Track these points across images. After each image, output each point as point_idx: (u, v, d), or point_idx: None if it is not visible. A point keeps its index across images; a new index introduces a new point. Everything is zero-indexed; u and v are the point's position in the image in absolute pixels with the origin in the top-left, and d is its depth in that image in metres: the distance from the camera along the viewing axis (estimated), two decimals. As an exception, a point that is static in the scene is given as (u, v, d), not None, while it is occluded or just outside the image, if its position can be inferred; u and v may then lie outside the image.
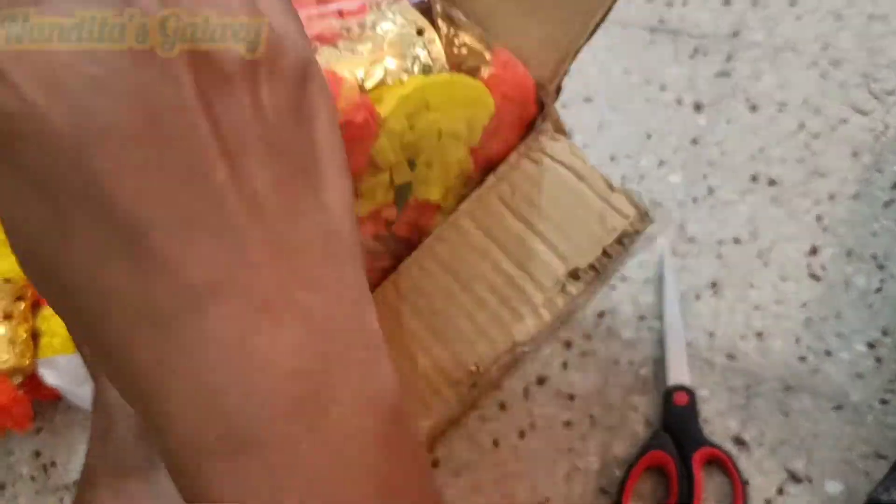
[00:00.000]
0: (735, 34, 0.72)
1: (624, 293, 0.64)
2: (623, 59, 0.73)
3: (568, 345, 0.63)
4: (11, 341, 0.64)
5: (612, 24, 0.72)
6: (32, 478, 0.69)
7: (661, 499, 0.57)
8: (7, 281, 0.67)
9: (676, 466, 0.56)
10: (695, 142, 0.68)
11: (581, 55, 0.71)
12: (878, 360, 0.57)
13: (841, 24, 0.70)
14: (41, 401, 0.67)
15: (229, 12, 0.25)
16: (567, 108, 0.72)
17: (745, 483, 0.55)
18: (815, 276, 0.61)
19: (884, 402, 0.56)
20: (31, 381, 0.65)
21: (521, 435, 0.61)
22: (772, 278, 0.62)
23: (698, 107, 0.69)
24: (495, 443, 0.61)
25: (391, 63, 0.46)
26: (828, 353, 0.58)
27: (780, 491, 0.55)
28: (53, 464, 0.69)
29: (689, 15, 0.74)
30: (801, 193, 0.64)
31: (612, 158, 0.69)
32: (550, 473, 0.59)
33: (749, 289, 0.62)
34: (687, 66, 0.71)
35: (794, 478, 0.55)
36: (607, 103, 0.72)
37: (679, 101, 0.70)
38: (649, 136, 0.69)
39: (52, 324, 0.65)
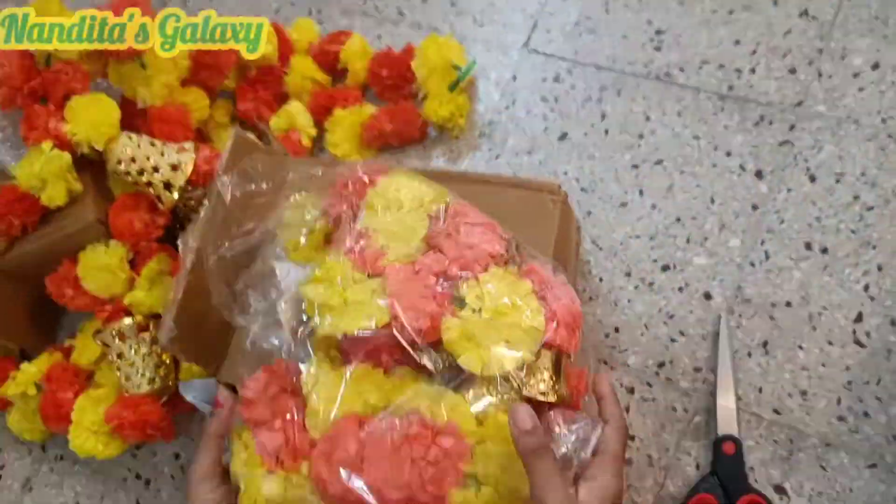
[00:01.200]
0: (799, 104, 0.77)
1: (683, 346, 0.72)
2: (693, 124, 0.79)
3: (631, 391, 0.72)
4: (157, 366, 0.77)
5: (686, 88, 0.80)
6: (172, 476, 0.82)
7: (707, 536, 0.65)
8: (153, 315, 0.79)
9: (722, 508, 0.64)
10: (755, 207, 0.75)
11: (654, 118, 0.79)
12: (913, 424, 0.64)
13: (902, 98, 0.74)
14: (181, 413, 0.80)
15: None
16: (639, 168, 0.79)
17: (782, 527, 0.63)
18: (859, 343, 0.67)
19: (915, 463, 0.63)
20: (173, 400, 0.78)
21: (586, 469, 0.70)
22: (819, 342, 0.68)
23: (760, 174, 0.76)
24: (563, 474, 0.71)
25: None
26: (866, 415, 0.65)
27: (814, 537, 0.63)
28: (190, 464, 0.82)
29: (756, 83, 0.79)
30: (852, 263, 0.70)
31: (679, 220, 0.76)
32: (611, 505, 0.68)
33: (797, 350, 0.69)
34: (753, 134, 0.77)
35: (828, 526, 0.63)
36: (676, 167, 0.78)
37: (743, 168, 0.76)
38: (713, 201, 0.76)
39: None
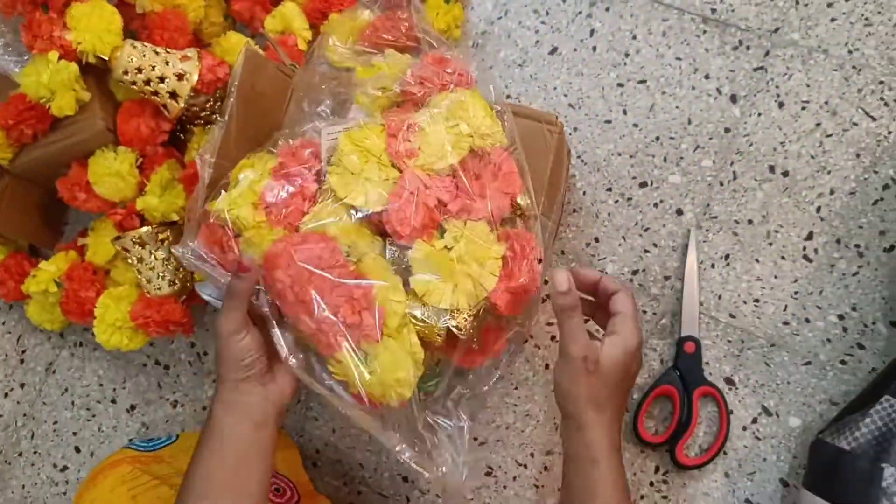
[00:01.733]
0: (776, 30, 0.82)
1: (655, 257, 0.81)
2: (676, 46, 0.84)
3: (607, 295, 0.81)
4: (176, 269, 0.83)
5: (671, 9, 0.84)
6: (189, 362, 0.90)
7: (666, 419, 0.77)
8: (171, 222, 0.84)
9: (680, 397, 0.76)
10: (727, 130, 0.82)
11: (640, 36, 0.84)
12: (845, 329, 0.75)
13: (869, 30, 0.80)
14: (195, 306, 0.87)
15: None
16: (624, 87, 0.85)
17: (730, 413, 0.76)
18: (807, 258, 0.77)
19: (843, 362, 0.75)
20: (189, 296, 0.85)
21: (566, 362, 0.81)
22: (773, 256, 0.78)
23: (734, 98, 0.82)
24: (546, 366, 0.81)
25: None
26: (807, 321, 0.76)
27: (755, 420, 0.75)
28: (206, 353, 0.90)
29: (738, 7, 0.84)
30: (809, 186, 0.78)
31: (658, 139, 0.83)
32: (586, 392, 0.80)
33: (754, 263, 0.78)
34: (731, 58, 0.83)
35: (767, 412, 0.75)
36: (658, 87, 0.84)
37: (719, 91, 0.83)
38: (690, 122, 0.83)
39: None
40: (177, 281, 0.82)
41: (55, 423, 0.94)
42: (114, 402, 0.92)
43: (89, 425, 0.92)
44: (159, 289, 0.81)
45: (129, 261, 0.82)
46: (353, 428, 0.85)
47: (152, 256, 0.81)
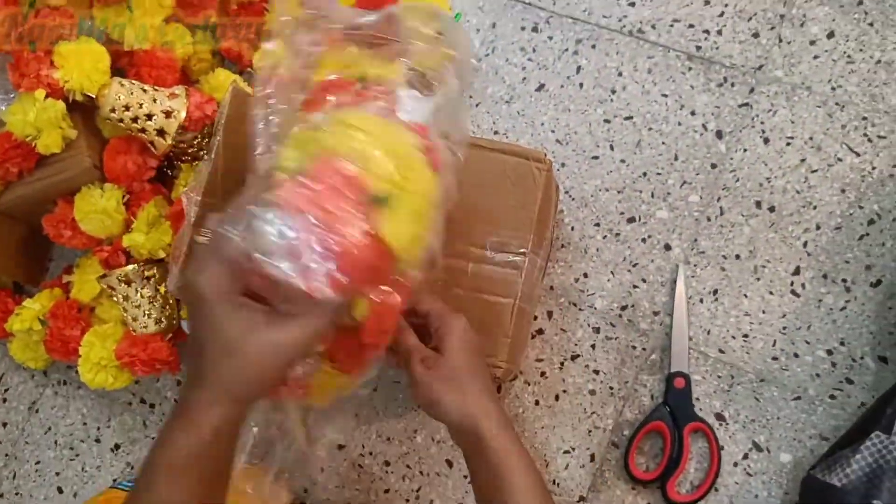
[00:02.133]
0: (760, 68, 0.83)
1: (644, 292, 0.81)
2: (662, 82, 0.85)
3: (597, 330, 0.81)
4: (162, 307, 0.82)
5: (657, 46, 0.85)
6: (175, 401, 0.89)
7: (657, 456, 0.77)
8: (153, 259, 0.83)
9: (671, 433, 0.76)
10: (713, 166, 0.82)
11: (626, 73, 0.85)
12: (833, 364, 0.75)
13: (851, 67, 0.81)
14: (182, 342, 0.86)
15: None
16: (610, 123, 0.86)
17: (720, 448, 0.75)
18: (795, 293, 0.78)
19: (832, 397, 0.75)
20: (175, 335, 0.84)
21: (556, 398, 0.80)
22: (761, 291, 0.78)
23: (720, 134, 0.83)
24: (536, 402, 0.81)
25: None
26: (795, 356, 0.76)
27: (745, 456, 0.75)
28: (191, 392, 0.89)
29: (722, 45, 0.85)
30: (795, 221, 0.79)
31: (645, 174, 0.84)
32: (576, 428, 0.79)
33: (742, 298, 0.79)
34: (716, 95, 0.84)
35: (757, 448, 0.75)
36: (645, 124, 0.85)
37: (705, 127, 0.83)
38: (677, 158, 0.83)
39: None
40: (163, 319, 0.81)
41: (38, 462, 0.93)
42: (98, 441, 0.91)
43: (73, 465, 0.91)
44: (145, 327, 0.81)
45: (115, 299, 0.81)
46: (342, 467, 0.84)
47: (138, 294, 0.80)
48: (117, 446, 0.90)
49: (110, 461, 0.90)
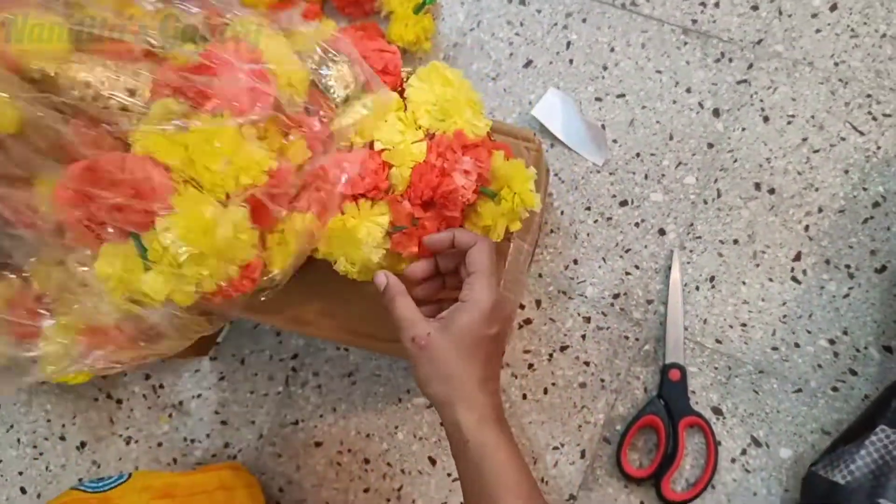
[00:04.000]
0: (759, 42, 0.79)
1: (637, 279, 0.77)
2: (656, 58, 0.81)
3: (587, 320, 0.77)
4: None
5: (650, 20, 0.81)
6: (144, 395, 0.85)
7: (651, 452, 0.73)
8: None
9: (665, 428, 0.72)
10: (710, 146, 0.78)
11: (619, 49, 0.81)
12: (836, 354, 0.71)
13: (855, 42, 0.77)
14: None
15: None
16: (602, 101, 0.81)
17: (717, 444, 0.72)
18: (795, 280, 0.74)
19: (835, 389, 0.71)
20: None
21: (545, 391, 0.76)
22: (760, 278, 0.74)
23: (717, 112, 0.78)
24: (524, 396, 0.77)
25: None
26: (796, 346, 0.72)
27: (744, 452, 0.71)
28: (161, 385, 0.84)
29: (720, 18, 0.80)
30: (796, 204, 0.75)
31: (638, 155, 0.79)
32: (566, 424, 0.75)
33: (741, 285, 0.75)
34: (713, 71, 0.79)
35: (756, 443, 0.71)
36: (638, 102, 0.80)
37: (701, 105, 0.79)
38: (672, 137, 0.79)
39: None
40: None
41: None
42: (63, 438, 0.86)
43: (36, 464, 0.86)
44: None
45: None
46: (319, 465, 0.79)
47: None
48: (83, 444, 0.85)
49: (76, 460, 0.85)
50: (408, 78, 0.65)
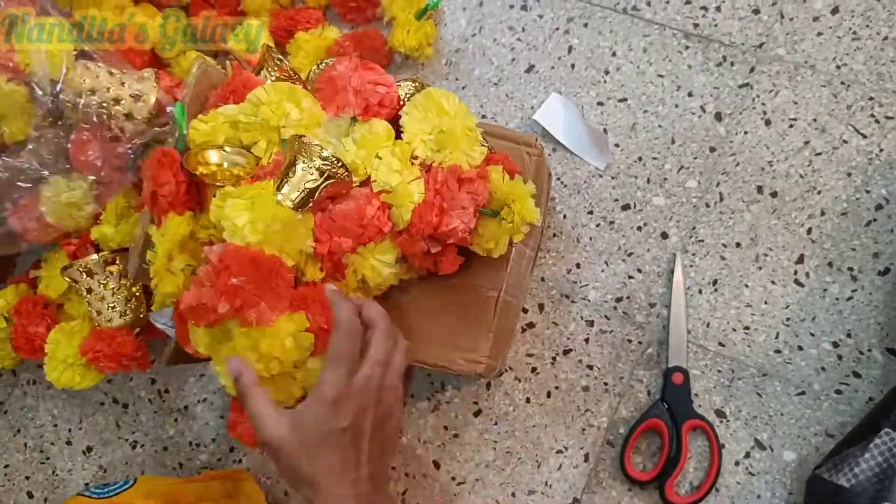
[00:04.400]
0: (760, 46, 0.79)
1: (640, 283, 0.77)
2: (658, 62, 0.81)
3: (590, 324, 0.77)
4: (127, 300, 0.78)
5: (652, 24, 0.81)
6: (150, 400, 0.85)
7: (655, 455, 0.73)
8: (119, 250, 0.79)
9: (669, 431, 0.72)
10: (712, 150, 0.78)
11: (620, 53, 0.81)
12: (840, 357, 0.71)
13: (857, 45, 0.77)
14: (154, 339, 0.82)
15: None
16: (604, 105, 0.81)
17: (721, 447, 0.71)
18: (798, 283, 0.74)
19: (838, 392, 0.71)
20: (146, 329, 0.80)
21: (548, 395, 0.76)
22: (763, 281, 0.74)
23: (719, 116, 0.79)
24: (527, 399, 0.77)
25: None
26: (800, 349, 0.72)
27: (748, 455, 0.71)
28: (167, 390, 0.85)
29: (721, 22, 0.81)
30: (798, 207, 0.75)
31: (640, 159, 0.79)
32: (569, 427, 0.75)
33: (743, 288, 0.74)
34: (715, 75, 0.80)
35: (760, 446, 0.71)
36: (640, 106, 0.80)
37: (703, 109, 0.79)
38: (673, 141, 0.79)
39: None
40: (128, 311, 0.77)
41: (6, 466, 0.88)
42: (69, 443, 0.86)
43: (43, 469, 0.87)
44: (110, 321, 0.76)
45: (80, 292, 0.77)
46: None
47: (101, 286, 0.76)
48: (89, 448, 0.86)
49: (82, 464, 0.86)
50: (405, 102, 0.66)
